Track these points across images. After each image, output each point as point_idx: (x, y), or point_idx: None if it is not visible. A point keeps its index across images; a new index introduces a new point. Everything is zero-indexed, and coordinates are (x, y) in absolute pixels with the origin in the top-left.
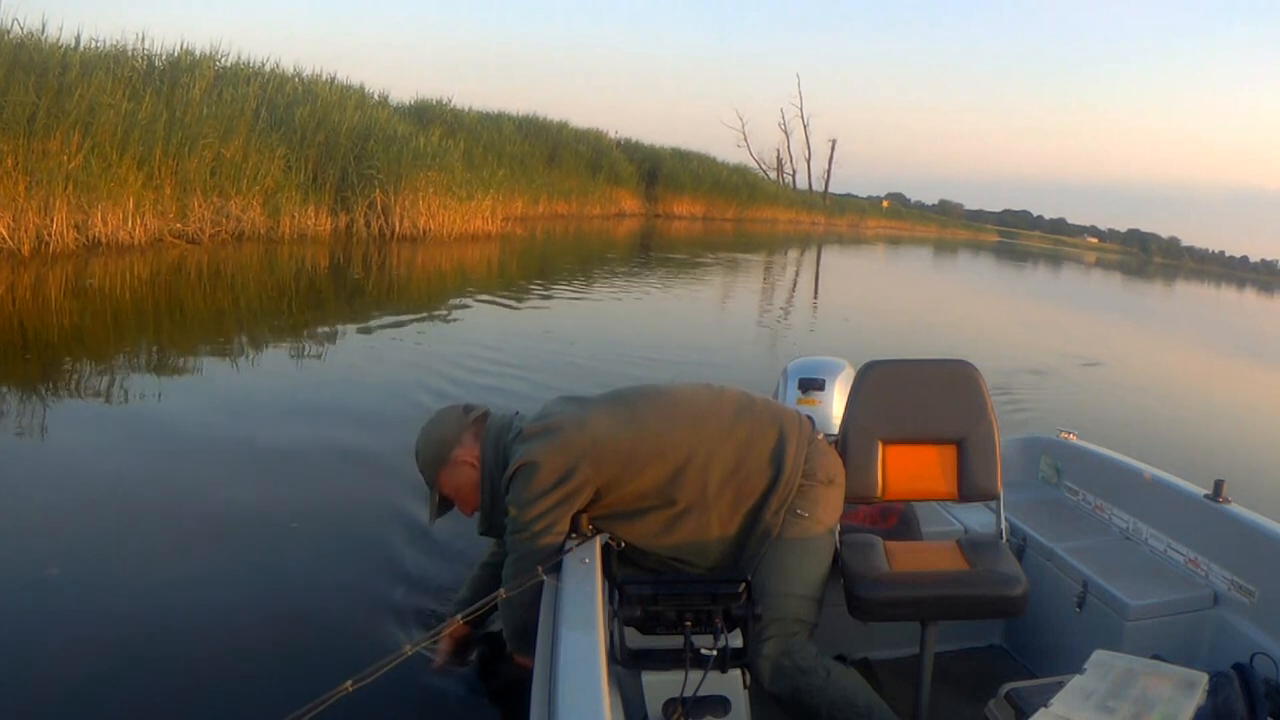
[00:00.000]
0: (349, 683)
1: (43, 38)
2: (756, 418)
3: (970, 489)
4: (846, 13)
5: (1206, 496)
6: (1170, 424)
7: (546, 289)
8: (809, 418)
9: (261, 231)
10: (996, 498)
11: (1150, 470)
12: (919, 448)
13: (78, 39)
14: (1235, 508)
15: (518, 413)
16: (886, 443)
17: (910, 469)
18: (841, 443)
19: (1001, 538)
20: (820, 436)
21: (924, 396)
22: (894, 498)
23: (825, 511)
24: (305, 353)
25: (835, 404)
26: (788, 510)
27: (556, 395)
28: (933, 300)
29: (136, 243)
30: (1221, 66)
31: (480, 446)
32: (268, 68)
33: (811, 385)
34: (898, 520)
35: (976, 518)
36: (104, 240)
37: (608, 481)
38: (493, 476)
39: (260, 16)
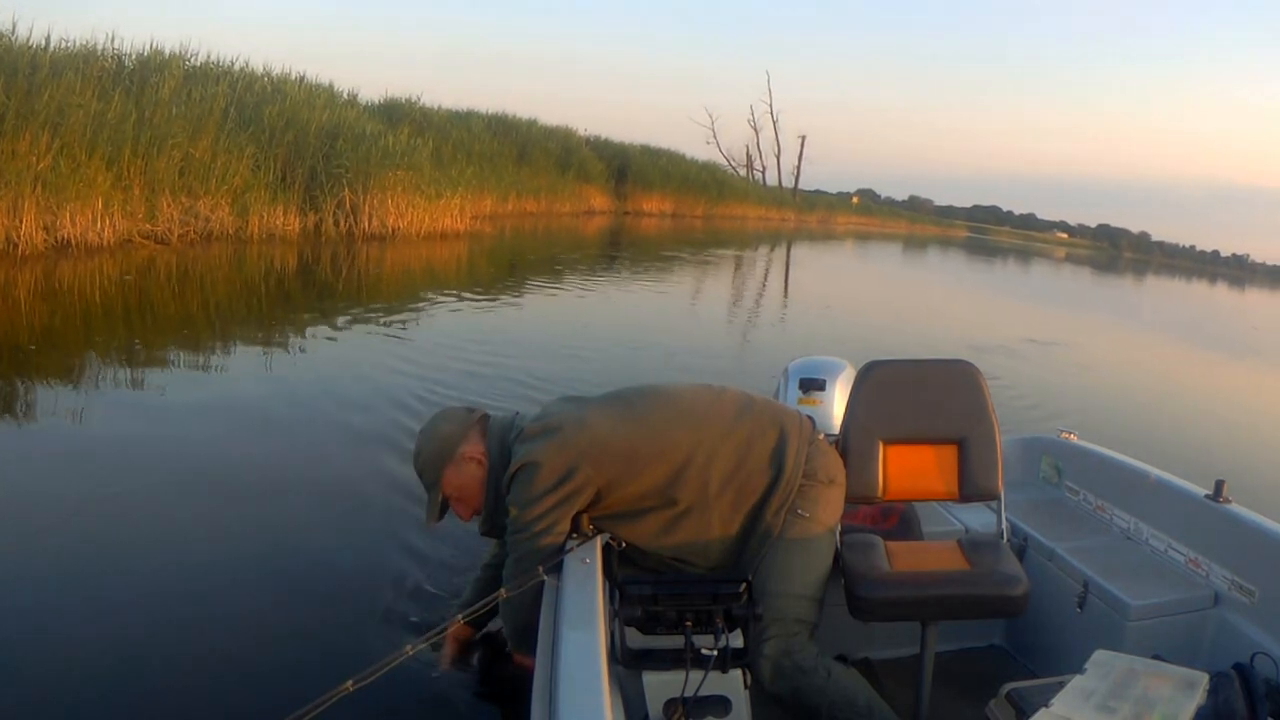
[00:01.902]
0: (349, 683)
1: (13, 38)
2: (757, 418)
3: (971, 489)
4: (816, 10)
5: (1207, 496)
6: (1171, 424)
7: (517, 287)
8: (809, 418)
9: (230, 231)
10: (997, 498)
11: (1151, 470)
12: (920, 448)
13: (48, 39)
14: (1236, 508)
15: (518, 413)
16: (887, 443)
17: (911, 469)
18: (842, 443)
19: (1002, 538)
20: (821, 436)
21: (925, 396)
22: (895, 498)
23: (826, 511)
24: (285, 353)
25: (836, 404)
26: (788, 510)
27: (558, 395)
28: (900, 293)
29: (105, 244)
30: (1193, 63)
31: (485, 444)
32: (237, 67)
33: (812, 385)
34: (898, 520)
35: (977, 518)
36: (73, 241)
37: (609, 482)
38: (497, 475)
39: (232, 15)
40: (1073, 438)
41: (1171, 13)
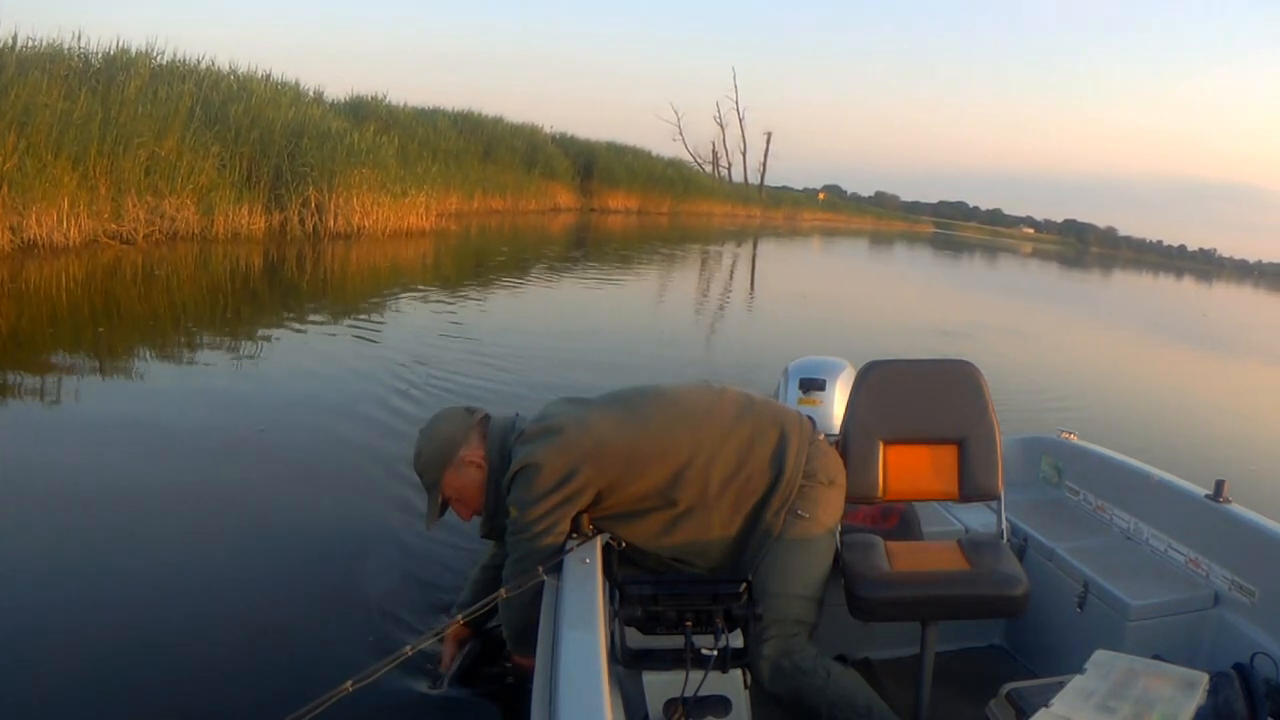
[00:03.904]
0: (349, 683)
1: None
2: (757, 418)
3: (971, 489)
4: (783, 7)
5: (1207, 496)
6: (1171, 424)
7: (483, 284)
8: (810, 418)
9: (196, 231)
10: (997, 498)
11: (1151, 470)
12: (920, 448)
13: (14, 38)
14: (1236, 508)
15: (518, 414)
16: (887, 443)
17: (911, 469)
18: (842, 443)
19: (1002, 538)
20: (821, 437)
21: (925, 396)
22: (895, 498)
23: (826, 512)
24: (272, 352)
25: (836, 404)
26: (789, 511)
27: (558, 397)
28: (870, 287)
29: (71, 244)
30: (1160, 59)
31: (485, 447)
32: (203, 65)
33: (812, 385)
34: (898, 520)
35: (977, 518)
36: (39, 242)
37: (609, 483)
38: (497, 477)
39: (200, 14)
40: (1073, 438)
41: (1145, 9)
